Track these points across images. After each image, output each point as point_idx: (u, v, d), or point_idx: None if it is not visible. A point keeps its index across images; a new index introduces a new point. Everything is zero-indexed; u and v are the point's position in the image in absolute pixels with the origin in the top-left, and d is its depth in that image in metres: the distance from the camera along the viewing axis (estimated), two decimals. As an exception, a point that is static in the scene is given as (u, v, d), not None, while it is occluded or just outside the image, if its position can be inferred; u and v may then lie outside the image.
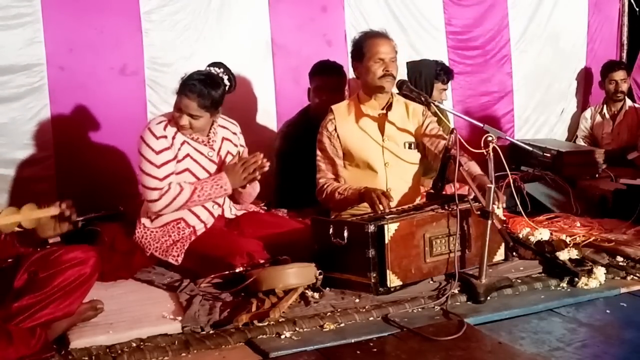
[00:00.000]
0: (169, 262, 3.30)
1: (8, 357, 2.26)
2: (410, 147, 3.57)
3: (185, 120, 3.30)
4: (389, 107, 3.55)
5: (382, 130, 3.54)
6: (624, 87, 5.46)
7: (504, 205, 3.23)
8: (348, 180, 3.55)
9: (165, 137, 3.32)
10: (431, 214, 3.11)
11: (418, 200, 3.57)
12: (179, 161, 3.34)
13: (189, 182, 3.34)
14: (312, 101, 4.24)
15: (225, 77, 3.40)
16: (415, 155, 3.60)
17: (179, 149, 3.35)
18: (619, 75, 5.46)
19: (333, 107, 3.63)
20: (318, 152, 3.60)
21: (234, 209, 3.55)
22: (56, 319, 2.47)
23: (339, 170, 3.58)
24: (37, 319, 2.40)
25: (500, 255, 3.29)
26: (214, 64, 3.44)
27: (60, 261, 2.48)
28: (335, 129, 3.55)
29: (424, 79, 4.45)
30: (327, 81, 4.18)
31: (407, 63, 4.59)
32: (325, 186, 3.54)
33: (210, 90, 3.28)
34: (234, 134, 3.57)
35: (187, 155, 3.37)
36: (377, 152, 3.53)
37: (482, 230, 3.03)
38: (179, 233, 3.34)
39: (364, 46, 3.50)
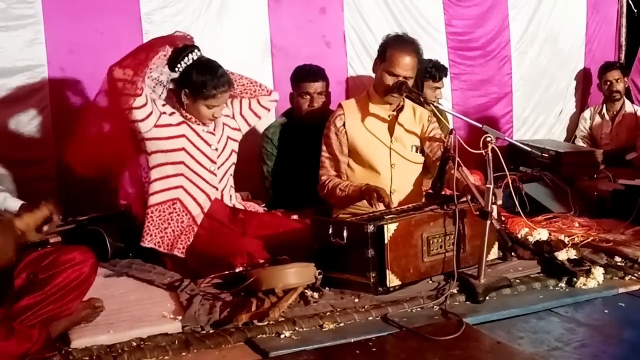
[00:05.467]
0: (175, 255, 3.33)
1: (10, 351, 2.27)
2: (416, 151, 3.60)
3: (219, 111, 3.40)
4: (400, 109, 3.57)
5: (391, 131, 3.56)
6: (619, 86, 5.46)
7: (501, 201, 3.23)
8: (352, 178, 3.56)
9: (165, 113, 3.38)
10: (428, 213, 3.12)
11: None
12: (173, 125, 3.37)
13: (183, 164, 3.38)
14: (299, 107, 4.15)
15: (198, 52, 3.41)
16: (420, 159, 3.62)
17: (172, 114, 3.39)
18: (613, 75, 5.47)
19: (343, 102, 3.65)
20: (323, 147, 3.61)
21: (234, 198, 3.58)
22: (56, 316, 2.48)
23: (342, 167, 3.59)
24: (37, 317, 2.42)
25: (494, 253, 3.30)
26: (188, 50, 3.38)
27: (59, 262, 2.50)
28: (344, 125, 3.56)
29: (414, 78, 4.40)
30: (314, 87, 4.09)
31: None
32: (327, 182, 3.56)
33: (227, 73, 3.38)
34: (227, 116, 3.59)
35: (183, 135, 3.39)
36: (384, 153, 3.54)
37: (477, 230, 3.05)
38: (178, 222, 3.36)
39: (388, 51, 3.46)
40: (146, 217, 3.38)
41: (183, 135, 3.38)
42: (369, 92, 3.60)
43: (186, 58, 3.35)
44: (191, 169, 3.40)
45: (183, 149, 3.38)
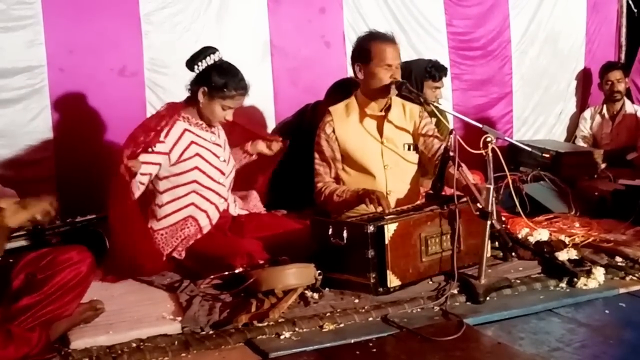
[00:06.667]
0: (174, 256, 3.32)
1: (9, 356, 2.27)
2: (409, 149, 3.56)
3: (231, 114, 3.39)
4: (387, 108, 3.54)
5: (380, 131, 3.53)
6: (620, 87, 5.47)
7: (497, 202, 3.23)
8: (347, 183, 3.53)
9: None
10: (426, 213, 3.12)
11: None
12: (185, 149, 3.34)
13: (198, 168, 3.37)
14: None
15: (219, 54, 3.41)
16: (414, 157, 3.59)
17: (180, 138, 3.34)
18: (615, 75, 5.48)
19: (331, 108, 3.59)
20: (316, 155, 3.58)
21: (237, 206, 3.58)
22: (55, 317, 2.48)
23: (337, 173, 3.56)
24: (37, 318, 2.42)
25: (488, 251, 3.27)
26: (210, 51, 3.37)
27: (57, 262, 2.50)
28: (334, 131, 3.52)
29: (414, 78, 4.34)
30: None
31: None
32: (323, 189, 3.52)
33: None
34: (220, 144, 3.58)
35: (196, 154, 3.37)
36: (376, 154, 3.51)
37: (472, 229, 3.05)
38: (186, 234, 3.36)
39: (372, 49, 3.43)
40: (155, 239, 3.34)
41: (196, 155, 3.36)
42: (356, 95, 3.56)
43: (208, 58, 3.35)
44: (203, 185, 3.38)
45: (196, 167, 3.36)
